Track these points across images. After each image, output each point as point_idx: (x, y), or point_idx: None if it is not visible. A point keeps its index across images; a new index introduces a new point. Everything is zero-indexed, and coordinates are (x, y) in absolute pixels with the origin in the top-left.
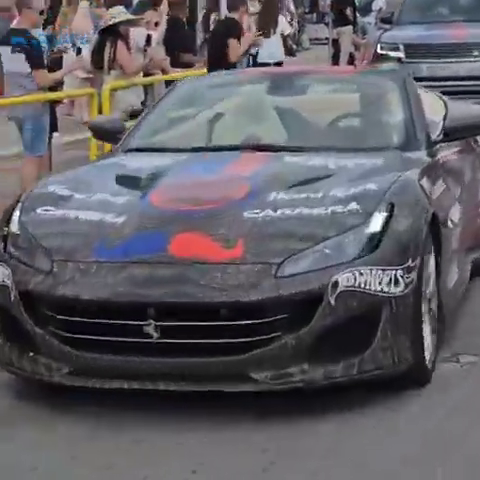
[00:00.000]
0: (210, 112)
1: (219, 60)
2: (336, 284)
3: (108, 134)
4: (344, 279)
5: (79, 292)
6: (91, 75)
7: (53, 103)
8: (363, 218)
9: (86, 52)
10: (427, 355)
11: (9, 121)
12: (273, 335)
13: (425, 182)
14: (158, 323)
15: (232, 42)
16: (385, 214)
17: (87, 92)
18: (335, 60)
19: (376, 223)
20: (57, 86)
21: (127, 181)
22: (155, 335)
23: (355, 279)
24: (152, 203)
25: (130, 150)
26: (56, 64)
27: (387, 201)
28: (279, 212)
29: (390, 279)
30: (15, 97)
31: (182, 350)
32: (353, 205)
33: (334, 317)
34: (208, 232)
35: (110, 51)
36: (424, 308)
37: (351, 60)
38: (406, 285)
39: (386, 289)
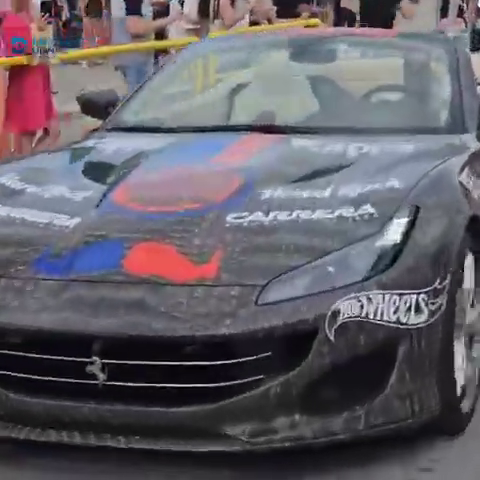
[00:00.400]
0: (218, 83)
1: (387, 21)
2: (337, 313)
3: (97, 108)
4: (348, 307)
5: (9, 317)
6: (197, 26)
7: (159, 53)
8: (378, 225)
9: (189, 8)
10: (463, 399)
11: (115, 70)
12: (253, 379)
13: (467, 175)
14: (105, 361)
15: (406, 3)
16: (406, 220)
17: (191, 41)
18: (443, 13)
19: (394, 232)
20: (163, 35)
21: (96, 171)
22: (101, 376)
23: (362, 306)
24: (114, 202)
25: (117, 129)
26: (162, 15)
27: (411, 203)
28: (271, 216)
29: (409, 306)
30: (121, 45)
31: (135, 396)
32: (367, 208)
33: (333, 356)
34: (177, 242)
35: (215, 0)
36: (459, 339)
37: (460, 13)
38: (432, 313)
39: (404, 319)
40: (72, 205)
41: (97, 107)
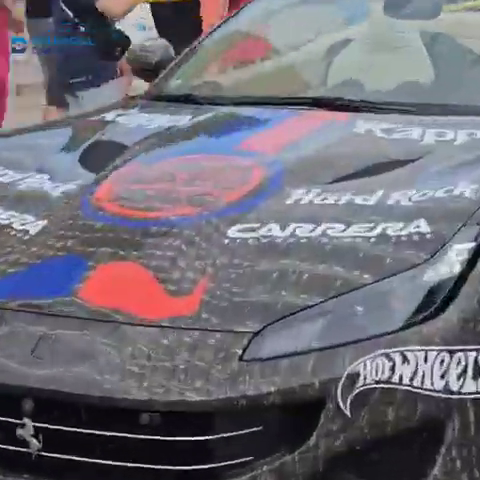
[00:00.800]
0: (291, 43)
1: None
2: (356, 376)
3: (147, 68)
4: (372, 367)
5: None
6: None
7: None
8: (430, 250)
9: None
10: None
11: None
12: (237, 462)
13: None
14: (39, 425)
15: None
16: (471, 244)
17: None
18: None
19: (451, 262)
20: None
21: (98, 154)
22: (35, 444)
23: (394, 368)
24: (93, 201)
25: (158, 97)
26: None
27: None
28: (289, 230)
29: (465, 367)
30: None
31: (76, 474)
32: (420, 224)
33: (349, 435)
34: (155, 262)
35: None
36: None
37: None
38: None
39: (456, 386)
40: (45, 202)
41: (147, 67)
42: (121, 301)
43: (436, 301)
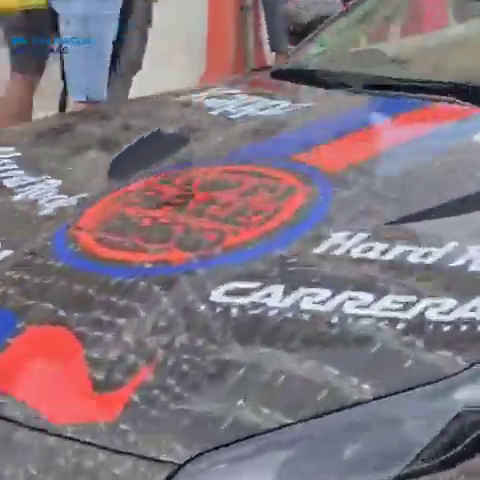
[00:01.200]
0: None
1: None
2: None
3: (296, 32)
4: None
5: None
6: None
7: None
8: (476, 353)
9: None
10: None
11: None
12: None
13: None
14: None
15: None
16: None
17: None
18: None
19: None
20: None
21: (141, 153)
22: None
23: None
24: (72, 228)
25: (281, 74)
26: None
27: None
28: (291, 299)
29: None
30: None
31: None
32: (479, 306)
33: None
34: (92, 334)
35: None
36: None
37: None
38: None
39: None
40: (27, 223)
41: (297, 28)
42: (30, 390)
43: (466, 437)
